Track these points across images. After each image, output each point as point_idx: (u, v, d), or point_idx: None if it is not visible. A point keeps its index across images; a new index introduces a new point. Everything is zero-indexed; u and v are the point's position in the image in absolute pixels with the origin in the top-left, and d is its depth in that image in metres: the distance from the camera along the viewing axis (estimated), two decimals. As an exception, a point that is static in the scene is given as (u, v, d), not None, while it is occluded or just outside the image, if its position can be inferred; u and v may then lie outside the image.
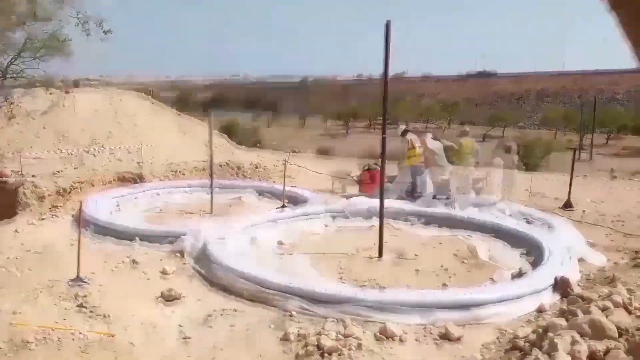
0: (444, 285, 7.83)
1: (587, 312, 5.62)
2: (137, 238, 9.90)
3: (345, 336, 6.01)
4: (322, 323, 6.42)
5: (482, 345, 6.00)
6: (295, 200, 12.92)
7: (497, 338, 6.16)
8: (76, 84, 19.58)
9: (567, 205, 12.65)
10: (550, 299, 7.22)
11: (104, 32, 12.29)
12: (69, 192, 12.75)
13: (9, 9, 17.85)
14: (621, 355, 4.72)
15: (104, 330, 6.21)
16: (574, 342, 4.91)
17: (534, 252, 8.91)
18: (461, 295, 6.92)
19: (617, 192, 12.85)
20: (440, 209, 11.65)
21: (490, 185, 12.88)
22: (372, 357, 5.65)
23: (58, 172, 13.70)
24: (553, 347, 4.88)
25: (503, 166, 12.88)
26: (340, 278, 8.13)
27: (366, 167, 14.26)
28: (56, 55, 21.85)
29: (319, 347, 5.77)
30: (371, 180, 13.51)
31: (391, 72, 9.03)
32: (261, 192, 14.16)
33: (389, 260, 9.09)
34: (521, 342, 5.62)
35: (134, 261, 8.79)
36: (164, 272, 8.36)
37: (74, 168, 14.55)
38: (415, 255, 9.27)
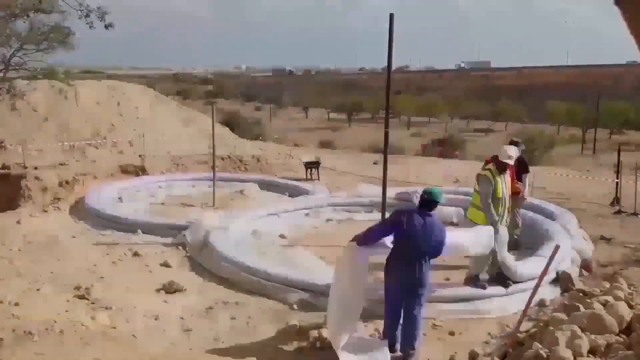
0: (446, 279, 7.83)
1: (588, 306, 5.62)
2: (139, 230, 9.93)
3: (347, 329, 6.01)
4: (323, 316, 6.42)
5: (485, 337, 6.01)
6: (298, 194, 12.93)
7: (499, 332, 6.16)
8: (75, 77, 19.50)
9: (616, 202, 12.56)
10: (552, 293, 7.22)
11: (105, 26, 12.23)
12: (72, 184, 12.78)
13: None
14: (622, 350, 4.73)
15: (106, 321, 6.23)
16: (575, 337, 4.92)
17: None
18: (463, 289, 6.92)
19: (624, 186, 12.81)
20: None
21: None
22: (373, 350, 5.65)
23: (60, 164, 13.72)
24: (554, 342, 4.89)
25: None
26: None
27: None
28: (59, 48, 21.76)
29: (319, 339, 5.78)
30: None
31: (394, 65, 9.00)
32: (263, 185, 14.17)
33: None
34: (522, 336, 5.63)
35: (136, 253, 8.82)
36: (165, 264, 8.39)
37: (76, 160, 14.57)
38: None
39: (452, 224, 10.42)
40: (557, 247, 5.29)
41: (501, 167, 7.04)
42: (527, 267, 7.16)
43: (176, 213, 11.42)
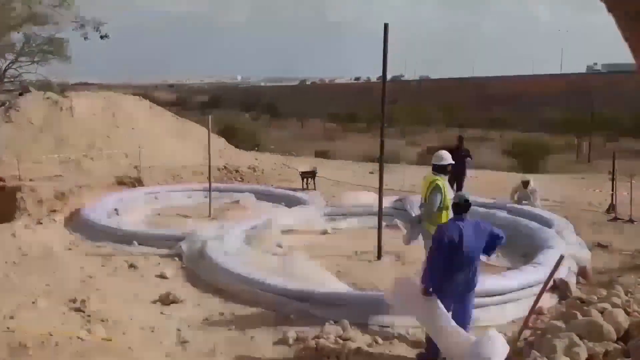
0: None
1: (586, 314, 5.62)
2: (135, 242, 9.89)
3: (344, 339, 6.00)
4: (320, 326, 6.40)
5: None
6: (294, 203, 12.92)
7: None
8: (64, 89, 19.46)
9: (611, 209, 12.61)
10: (550, 301, 7.22)
11: (100, 36, 12.30)
12: (67, 196, 12.73)
13: (7, 12, 17.84)
14: (620, 358, 4.72)
15: (102, 334, 6.19)
16: (572, 344, 4.91)
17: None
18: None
19: (619, 193, 12.85)
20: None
21: None
22: (371, 360, 5.64)
23: (56, 176, 13.68)
24: (552, 349, 4.88)
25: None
26: (339, 280, 8.10)
27: None
28: (54, 59, 21.82)
29: (317, 350, 5.76)
30: None
31: (388, 75, 9.03)
32: (259, 195, 14.15)
33: (387, 262, 9.07)
34: (520, 344, 5.62)
35: (132, 265, 8.78)
36: (162, 276, 8.35)
37: (72, 172, 14.53)
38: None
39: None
40: (561, 257, 5.24)
41: (443, 173, 6.94)
42: (491, 282, 7.01)
43: (172, 224, 11.39)
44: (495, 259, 9.10)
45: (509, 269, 8.42)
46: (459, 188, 12.48)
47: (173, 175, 15.64)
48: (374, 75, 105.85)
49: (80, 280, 7.96)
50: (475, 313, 6.66)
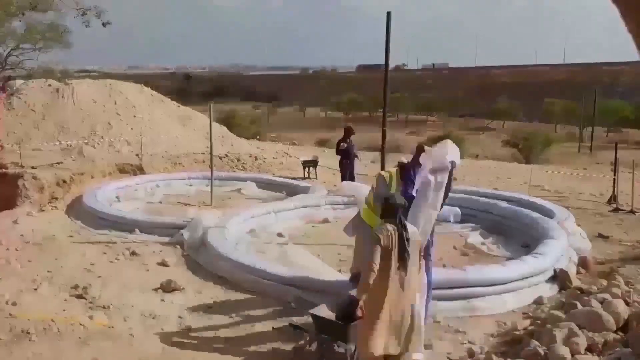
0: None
1: (586, 304, 5.63)
2: (136, 229, 9.91)
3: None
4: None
5: (482, 335, 6.01)
6: (295, 192, 12.93)
7: (496, 330, 6.16)
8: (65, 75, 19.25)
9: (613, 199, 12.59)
10: (550, 291, 7.23)
11: (102, 24, 12.19)
12: (69, 184, 12.75)
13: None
14: (619, 348, 4.74)
15: (103, 320, 6.23)
16: (572, 334, 4.93)
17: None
18: (460, 289, 6.91)
19: (621, 184, 12.84)
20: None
21: None
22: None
23: (57, 163, 13.69)
24: (552, 339, 4.90)
25: None
26: (340, 269, 8.13)
27: None
28: (55, 47, 21.70)
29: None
30: None
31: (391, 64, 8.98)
32: (261, 184, 14.16)
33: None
34: (520, 334, 5.64)
35: (133, 252, 8.80)
36: (163, 263, 8.37)
37: (73, 159, 14.54)
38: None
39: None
40: None
41: (405, 175, 6.46)
42: (491, 271, 7.06)
43: (174, 212, 11.40)
44: (496, 248, 9.15)
45: (509, 258, 8.43)
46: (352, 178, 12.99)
47: (174, 163, 15.65)
48: (377, 64, 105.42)
49: (82, 267, 7.99)
50: (476, 302, 6.72)
